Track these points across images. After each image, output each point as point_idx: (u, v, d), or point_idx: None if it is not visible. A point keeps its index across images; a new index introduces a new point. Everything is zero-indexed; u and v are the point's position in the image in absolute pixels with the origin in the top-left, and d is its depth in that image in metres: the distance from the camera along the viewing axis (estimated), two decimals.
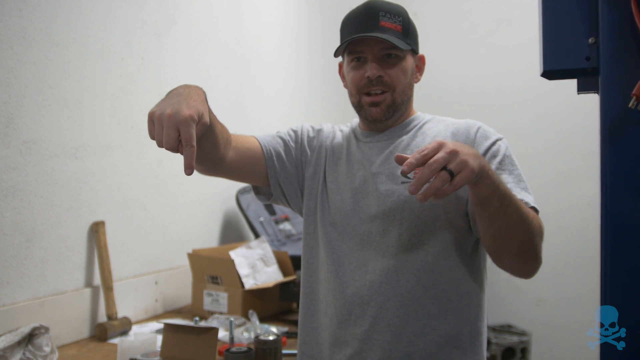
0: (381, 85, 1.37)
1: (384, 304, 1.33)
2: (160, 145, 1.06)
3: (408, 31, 1.40)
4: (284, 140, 1.49)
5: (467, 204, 1.33)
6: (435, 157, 1.06)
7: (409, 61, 1.41)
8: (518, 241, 1.23)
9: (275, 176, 1.46)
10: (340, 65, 1.49)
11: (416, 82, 1.46)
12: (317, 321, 1.44)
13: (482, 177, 1.12)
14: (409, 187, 1.07)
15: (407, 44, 1.38)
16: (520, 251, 1.25)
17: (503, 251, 1.26)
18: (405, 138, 1.42)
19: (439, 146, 1.07)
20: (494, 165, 1.31)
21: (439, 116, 1.48)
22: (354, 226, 1.38)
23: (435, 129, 1.42)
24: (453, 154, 1.06)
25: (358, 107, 1.42)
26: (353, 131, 1.51)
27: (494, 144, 1.35)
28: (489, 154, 1.34)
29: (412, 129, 1.44)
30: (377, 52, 1.36)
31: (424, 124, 1.44)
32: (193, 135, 1.04)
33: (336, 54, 1.43)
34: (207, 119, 1.10)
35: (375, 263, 1.35)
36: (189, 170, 1.04)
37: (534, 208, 1.28)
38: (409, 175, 1.35)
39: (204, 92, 1.17)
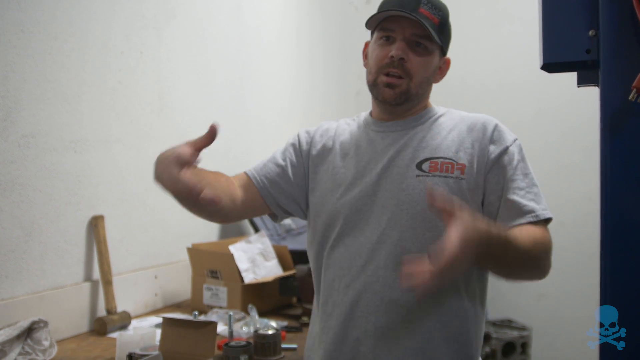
0: (400, 69, 1.35)
1: (399, 299, 1.31)
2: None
3: (444, 28, 1.38)
4: (278, 165, 1.47)
5: (483, 206, 1.35)
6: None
7: (435, 58, 1.39)
8: (522, 275, 1.38)
9: (275, 202, 1.46)
10: (366, 45, 1.46)
11: (435, 83, 1.45)
12: (317, 324, 1.43)
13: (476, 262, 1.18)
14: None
15: (439, 39, 1.36)
16: (525, 277, 1.39)
17: (509, 279, 1.37)
18: (420, 130, 1.40)
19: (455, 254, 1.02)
20: (509, 171, 1.32)
21: (453, 109, 1.46)
22: (366, 220, 1.36)
23: (450, 122, 1.40)
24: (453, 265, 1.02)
25: (373, 85, 1.40)
26: (364, 121, 1.49)
27: (507, 148, 1.34)
28: (504, 160, 1.33)
29: (426, 121, 1.41)
30: (408, 36, 1.35)
31: (439, 117, 1.42)
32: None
33: (368, 26, 1.42)
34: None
35: (388, 257, 1.33)
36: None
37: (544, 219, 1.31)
38: (424, 169, 1.34)
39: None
